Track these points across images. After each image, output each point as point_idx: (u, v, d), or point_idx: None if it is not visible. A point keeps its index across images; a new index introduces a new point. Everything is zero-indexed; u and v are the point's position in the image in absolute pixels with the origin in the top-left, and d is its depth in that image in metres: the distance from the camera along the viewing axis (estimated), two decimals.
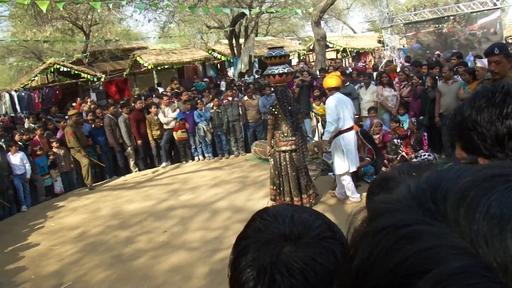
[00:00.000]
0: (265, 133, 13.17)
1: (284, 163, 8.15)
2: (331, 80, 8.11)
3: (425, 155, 9.77)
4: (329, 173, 9.87)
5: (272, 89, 8.50)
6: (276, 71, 7.94)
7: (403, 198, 0.54)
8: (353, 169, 8.28)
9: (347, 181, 8.26)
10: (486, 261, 0.43)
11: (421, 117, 10.73)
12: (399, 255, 0.47)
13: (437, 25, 23.91)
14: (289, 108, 8.08)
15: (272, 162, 8.42)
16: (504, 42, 22.29)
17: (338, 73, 9.23)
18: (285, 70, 8.02)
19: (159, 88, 19.98)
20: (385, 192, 0.58)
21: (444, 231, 0.47)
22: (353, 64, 22.08)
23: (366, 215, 0.57)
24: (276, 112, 8.07)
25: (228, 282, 1.02)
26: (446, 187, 0.51)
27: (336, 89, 8.06)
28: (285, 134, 8.08)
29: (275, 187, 8.41)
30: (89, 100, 17.66)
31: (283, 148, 8.11)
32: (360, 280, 0.51)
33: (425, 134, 10.09)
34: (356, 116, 10.70)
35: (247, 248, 0.98)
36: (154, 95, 16.18)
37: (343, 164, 8.07)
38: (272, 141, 8.38)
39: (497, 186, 0.48)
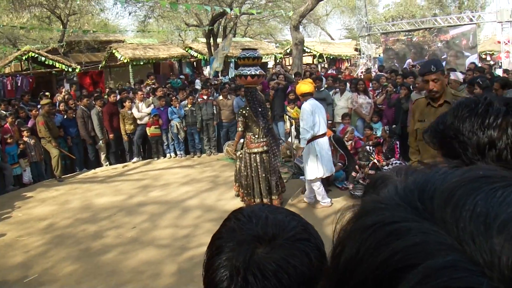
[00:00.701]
0: None
1: (255, 164, 8.12)
2: (305, 86, 8.14)
3: (396, 163, 9.86)
4: (300, 177, 9.92)
5: (243, 90, 8.34)
6: (248, 73, 7.86)
7: (391, 198, 0.55)
8: (326, 174, 8.35)
9: (317, 186, 8.32)
10: (472, 257, 0.45)
11: (394, 126, 10.86)
12: (387, 251, 0.48)
13: (407, 33, 24.12)
14: (260, 109, 8.06)
15: (238, 163, 8.47)
16: (478, 57, 22.64)
17: (310, 80, 9.31)
18: (257, 72, 7.95)
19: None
20: (377, 191, 0.61)
21: (432, 228, 0.48)
22: (324, 71, 22.12)
23: (353, 214, 0.58)
24: (246, 114, 8.02)
25: (202, 282, 1.03)
26: (433, 187, 0.53)
27: (309, 94, 8.10)
28: (256, 136, 8.06)
29: (243, 189, 8.43)
30: (63, 90, 17.47)
31: (255, 150, 8.08)
32: (347, 276, 0.52)
33: (397, 142, 10.21)
34: (329, 122, 10.81)
35: (221, 248, 0.98)
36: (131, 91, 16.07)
37: (315, 170, 8.11)
38: (240, 143, 8.44)
39: (483, 186, 0.50)
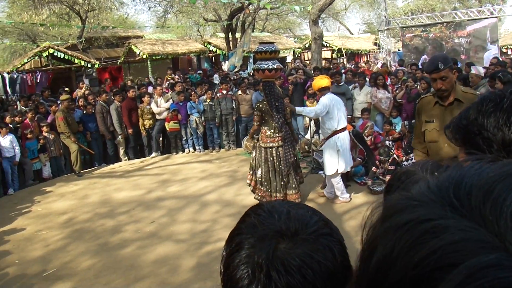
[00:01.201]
0: None
1: (271, 158, 8.02)
2: (321, 81, 8.08)
3: None
4: (319, 172, 9.87)
5: (261, 84, 8.36)
6: (266, 66, 7.81)
7: (424, 195, 0.53)
8: (347, 169, 8.28)
9: (337, 181, 8.25)
10: None
11: (413, 121, 10.74)
12: (425, 250, 0.46)
13: (424, 29, 23.87)
14: (276, 104, 8.00)
15: (253, 155, 8.34)
16: (499, 51, 22.34)
17: (325, 75, 9.25)
18: (275, 66, 7.89)
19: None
20: (403, 187, 0.57)
21: (470, 226, 0.46)
22: (346, 65, 22.04)
23: (383, 212, 0.56)
24: (263, 108, 7.97)
25: (221, 280, 1.00)
26: (469, 182, 0.51)
27: (327, 89, 8.03)
28: (272, 131, 7.99)
29: (257, 182, 8.28)
30: (84, 85, 17.56)
31: (270, 144, 8.01)
32: (380, 277, 0.50)
33: None
34: (348, 117, 10.74)
35: (241, 244, 0.95)
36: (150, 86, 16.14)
37: (335, 164, 8.04)
38: (255, 136, 8.37)
39: None
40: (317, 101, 8.31)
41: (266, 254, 0.90)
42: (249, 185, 8.50)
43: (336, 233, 0.99)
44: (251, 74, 18.67)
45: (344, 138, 8.12)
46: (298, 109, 8.29)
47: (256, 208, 1.04)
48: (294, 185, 8.20)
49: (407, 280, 0.46)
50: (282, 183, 8.11)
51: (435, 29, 23.40)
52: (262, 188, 8.21)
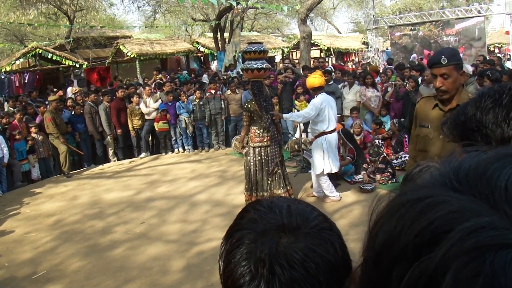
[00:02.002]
0: None
1: (259, 158, 8.06)
2: (315, 79, 8.05)
3: (405, 156, 9.84)
4: (309, 171, 9.88)
5: (250, 84, 8.37)
6: (255, 66, 7.82)
7: (426, 180, 0.57)
8: (334, 170, 8.27)
9: (324, 181, 8.26)
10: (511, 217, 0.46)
11: (402, 119, 10.81)
12: (424, 220, 0.49)
13: (412, 28, 23.97)
14: (264, 104, 8.02)
15: (245, 159, 8.33)
16: (487, 49, 22.47)
17: (320, 72, 9.21)
18: (264, 66, 7.90)
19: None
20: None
21: (467, 198, 0.49)
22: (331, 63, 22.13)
23: (388, 199, 0.59)
24: (251, 108, 7.99)
25: (220, 277, 0.99)
26: (467, 166, 0.55)
27: (320, 88, 8.03)
28: (261, 130, 8.01)
29: (248, 188, 8.26)
30: (75, 88, 17.54)
31: (258, 144, 8.04)
32: (385, 251, 0.53)
33: (406, 136, 10.16)
34: (338, 115, 10.76)
35: (241, 240, 0.94)
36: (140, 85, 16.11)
37: (322, 165, 8.06)
38: (247, 137, 8.32)
39: None
40: (307, 101, 8.32)
41: (269, 249, 0.89)
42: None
43: (335, 228, 1.00)
44: (239, 73, 18.66)
45: (331, 140, 8.11)
46: (285, 115, 8.35)
47: (255, 204, 1.03)
48: (282, 184, 8.21)
49: (409, 249, 0.49)
50: (269, 182, 8.16)
51: (423, 28, 23.48)
52: (249, 190, 8.24)
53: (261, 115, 7.93)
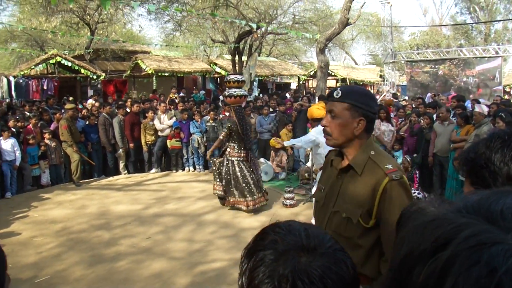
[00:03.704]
0: (259, 152, 13.25)
1: (233, 169, 9.45)
2: (317, 110, 8.20)
3: (414, 192, 9.80)
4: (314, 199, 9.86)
5: (233, 109, 9.69)
6: (237, 93, 9.27)
7: (440, 211, 0.74)
8: None
9: None
10: (500, 227, 0.64)
11: (415, 155, 10.81)
12: (439, 231, 0.67)
13: (433, 66, 24.00)
14: (245, 127, 9.48)
15: (218, 167, 9.64)
16: (503, 90, 22.49)
17: (323, 104, 9.28)
18: (243, 93, 9.45)
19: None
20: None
21: (472, 217, 0.67)
22: None
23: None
24: (233, 128, 9.36)
25: None
26: (473, 199, 0.72)
27: (319, 120, 8.10)
28: (238, 147, 9.49)
29: (224, 187, 9.60)
30: (94, 97, 17.76)
31: (235, 158, 9.49)
32: (409, 256, 0.69)
33: (417, 172, 10.17)
34: None
35: (264, 259, 1.02)
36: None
37: None
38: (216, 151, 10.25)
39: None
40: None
41: (292, 267, 0.97)
42: (223, 198, 9.77)
43: (343, 248, 1.10)
44: (256, 97, 18.77)
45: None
46: (286, 143, 8.59)
47: (274, 227, 1.11)
48: (257, 191, 9.51)
49: (427, 252, 0.65)
50: (239, 191, 9.43)
51: (443, 67, 23.52)
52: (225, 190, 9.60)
53: (240, 135, 9.39)
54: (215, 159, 9.91)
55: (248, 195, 9.38)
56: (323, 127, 2.75)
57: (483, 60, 22.68)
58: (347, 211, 2.63)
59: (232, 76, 9.64)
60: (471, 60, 23.00)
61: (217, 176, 9.70)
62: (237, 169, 9.47)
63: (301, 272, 0.96)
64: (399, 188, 2.50)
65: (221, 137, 9.75)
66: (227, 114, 13.50)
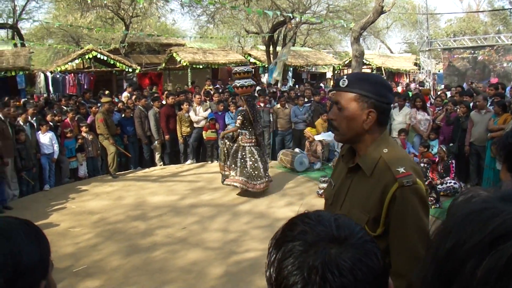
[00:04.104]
0: (294, 142, 13.23)
1: (244, 154, 10.04)
2: None
3: (451, 182, 9.69)
4: None
5: (243, 98, 10.19)
6: (246, 83, 9.79)
7: (482, 199, 0.70)
8: None
9: None
10: None
11: (451, 144, 10.65)
12: (496, 221, 0.62)
13: (472, 52, 23.44)
14: (255, 114, 10.09)
15: (225, 147, 10.26)
16: None
17: None
18: (251, 83, 9.98)
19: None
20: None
21: None
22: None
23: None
24: (246, 116, 9.93)
25: (271, 285, 1.02)
26: None
27: None
28: (249, 134, 10.06)
29: (227, 166, 10.22)
30: (128, 90, 17.95)
31: (248, 144, 10.07)
32: (457, 249, 0.64)
33: (453, 161, 10.01)
34: None
35: (293, 250, 0.99)
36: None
37: None
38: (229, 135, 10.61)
39: None
40: None
41: (322, 258, 0.95)
42: (226, 175, 10.29)
43: (373, 238, 1.07)
44: (291, 87, 18.71)
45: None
46: (316, 137, 8.50)
47: (303, 217, 1.08)
48: (261, 176, 10.04)
49: (483, 244, 0.60)
50: (249, 174, 9.93)
51: (483, 52, 22.96)
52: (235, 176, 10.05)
53: (252, 122, 9.97)
54: (226, 141, 10.35)
55: (256, 179, 9.95)
56: (330, 119, 2.46)
57: None
58: (353, 216, 2.26)
59: (239, 68, 10.17)
60: (510, 46, 22.43)
61: (224, 158, 10.30)
62: (248, 155, 10.01)
63: (331, 264, 0.94)
64: (411, 195, 2.15)
65: (237, 124, 10.09)
66: (262, 105, 13.49)
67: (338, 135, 2.44)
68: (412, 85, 21.91)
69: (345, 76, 2.37)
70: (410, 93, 16.34)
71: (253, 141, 10.11)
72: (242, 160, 10.00)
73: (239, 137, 10.19)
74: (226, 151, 10.20)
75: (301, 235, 1.02)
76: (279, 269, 1.00)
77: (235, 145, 10.20)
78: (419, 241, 2.11)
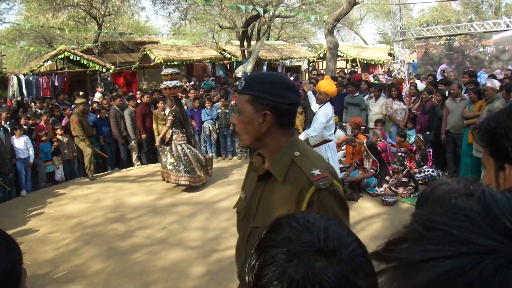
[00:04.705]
0: None
1: (183, 150, 10.37)
2: (332, 86, 8.16)
3: (428, 171, 9.78)
4: None
5: (172, 99, 10.57)
6: (174, 84, 10.11)
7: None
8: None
9: None
10: None
11: (427, 133, 10.73)
12: None
13: (448, 38, 23.54)
14: (185, 114, 10.62)
15: (166, 151, 10.51)
16: None
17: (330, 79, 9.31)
18: (178, 84, 10.35)
19: None
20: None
21: None
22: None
23: None
24: (177, 116, 10.24)
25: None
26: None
27: (329, 96, 8.12)
28: (182, 132, 10.43)
29: (169, 170, 10.41)
30: (99, 90, 17.78)
31: (181, 142, 10.41)
32: None
33: (431, 150, 10.09)
34: (363, 128, 10.78)
35: (275, 258, 0.94)
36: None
37: None
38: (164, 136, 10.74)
39: None
40: (317, 102, 8.33)
41: (304, 271, 0.89)
42: (167, 181, 10.56)
43: (367, 253, 0.99)
44: None
45: (333, 147, 8.40)
46: (301, 136, 8.40)
47: (291, 220, 1.01)
48: (197, 170, 10.40)
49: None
50: (187, 169, 10.29)
51: (460, 38, 23.09)
52: (172, 174, 10.37)
53: (182, 121, 10.36)
54: (164, 146, 10.69)
55: (193, 172, 10.35)
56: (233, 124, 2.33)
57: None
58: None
59: (168, 69, 10.47)
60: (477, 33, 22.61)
61: (166, 161, 10.54)
62: (187, 150, 10.40)
63: (314, 279, 0.88)
64: (329, 198, 2.01)
65: (168, 125, 10.37)
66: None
67: (240, 141, 2.34)
68: (380, 75, 22.01)
69: (243, 78, 2.27)
70: (377, 82, 16.48)
71: (185, 139, 10.52)
72: (181, 158, 10.31)
73: (173, 137, 10.51)
74: (166, 156, 10.54)
75: (286, 242, 0.96)
76: (259, 275, 0.95)
77: (170, 146, 10.57)
78: None
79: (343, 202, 2.05)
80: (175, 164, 10.34)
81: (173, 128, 10.39)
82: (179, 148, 10.41)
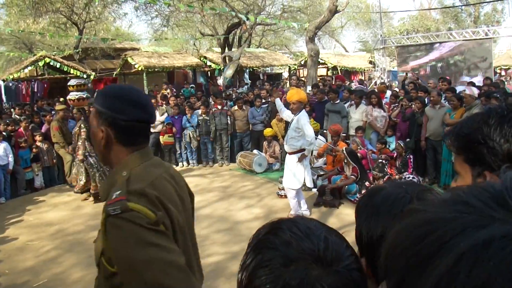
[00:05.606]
0: (252, 144, 13.26)
1: (96, 160, 10.27)
2: (301, 93, 8.32)
3: (409, 177, 9.84)
4: (313, 189, 9.91)
5: (80, 111, 10.72)
6: (79, 95, 10.25)
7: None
8: (311, 184, 8.93)
9: (294, 197, 8.45)
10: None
11: (408, 140, 10.81)
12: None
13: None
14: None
15: (87, 165, 10.41)
16: (493, 72, 22.45)
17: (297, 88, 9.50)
18: (85, 96, 10.39)
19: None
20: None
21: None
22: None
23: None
24: (88, 127, 9.91)
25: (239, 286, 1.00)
26: None
27: (303, 104, 8.35)
28: (90, 144, 10.07)
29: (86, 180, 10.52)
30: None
31: (93, 153, 10.21)
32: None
33: (411, 156, 10.18)
34: (343, 135, 10.87)
35: (272, 261, 0.94)
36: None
37: (301, 179, 8.33)
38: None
39: None
40: (313, 118, 8.47)
41: (300, 278, 0.89)
42: (78, 191, 10.80)
43: (363, 269, 1.01)
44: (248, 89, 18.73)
45: (308, 155, 8.53)
46: (306, 153, 8.47)
47: (292, 225, 1.01)
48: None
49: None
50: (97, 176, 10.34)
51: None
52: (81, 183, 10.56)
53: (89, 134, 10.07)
54: (90, 159, 10.50)
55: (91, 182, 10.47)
56: None
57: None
58: (95, 247, 2.07)
59: (75, 81, 10.52)
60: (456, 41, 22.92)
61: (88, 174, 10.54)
62: (91, 162, 10.36)
63: (308, 287, 0.88)
64: (116, 226, 1.80)
65: (84, 137, 10.26)
66: (219, 107, 13.46)
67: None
68: (353, 84, 22.11)
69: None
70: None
71: (92, 150, 10.36)
72: (98, 165, 10.38)
73: (87, 148, 10.39)
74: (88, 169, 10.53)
75: (284, 246, 0.95)
76: (252, 275, 0.95)
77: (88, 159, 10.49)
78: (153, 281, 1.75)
79: (136, 233, 1.79)
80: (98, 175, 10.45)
81: (87, 141, 10.25)
82: (95, 160, 10.32)
